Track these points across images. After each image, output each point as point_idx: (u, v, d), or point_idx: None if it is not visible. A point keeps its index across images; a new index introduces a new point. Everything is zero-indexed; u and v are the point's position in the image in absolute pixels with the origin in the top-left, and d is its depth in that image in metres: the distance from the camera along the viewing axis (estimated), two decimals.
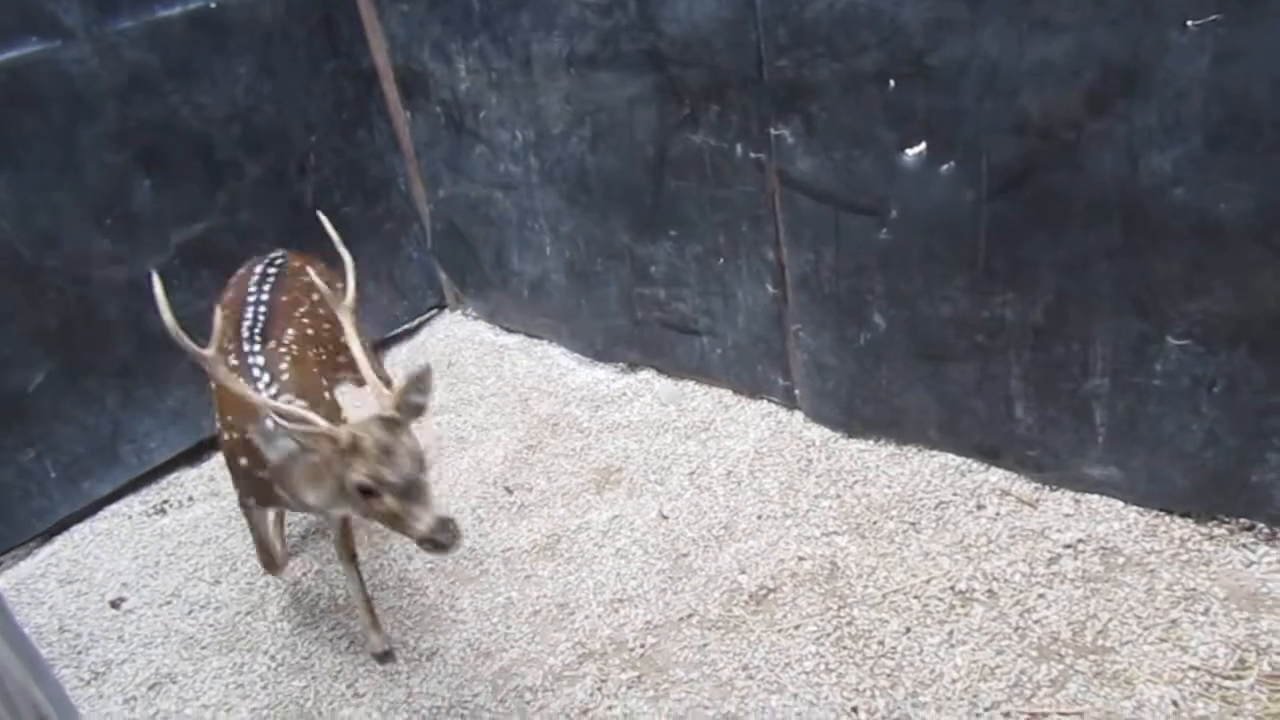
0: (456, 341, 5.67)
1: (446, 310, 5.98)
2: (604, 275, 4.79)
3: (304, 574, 4.03)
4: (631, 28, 3.95)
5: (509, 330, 5.63)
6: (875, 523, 3.58)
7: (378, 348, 5.67)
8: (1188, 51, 2.63)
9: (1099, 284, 3.08)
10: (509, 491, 4.27)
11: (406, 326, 5.83)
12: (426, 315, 5.94)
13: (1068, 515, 3.38)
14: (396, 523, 2.51)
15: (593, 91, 4.27)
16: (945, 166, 3.24)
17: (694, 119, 3.96)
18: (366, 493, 2.49)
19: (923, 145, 3.27)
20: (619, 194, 4.47)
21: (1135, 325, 3.06)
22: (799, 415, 4.28)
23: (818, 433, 4.16)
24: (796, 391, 4.25)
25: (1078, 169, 2.97)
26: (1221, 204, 2.75)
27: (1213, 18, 2.56)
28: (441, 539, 2.46)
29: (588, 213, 4.68)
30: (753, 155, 3.82)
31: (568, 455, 4.44)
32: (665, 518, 3.89)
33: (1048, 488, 3.52)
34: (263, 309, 3.25)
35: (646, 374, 4.90)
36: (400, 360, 5.58)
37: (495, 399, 5.02)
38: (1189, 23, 2.60)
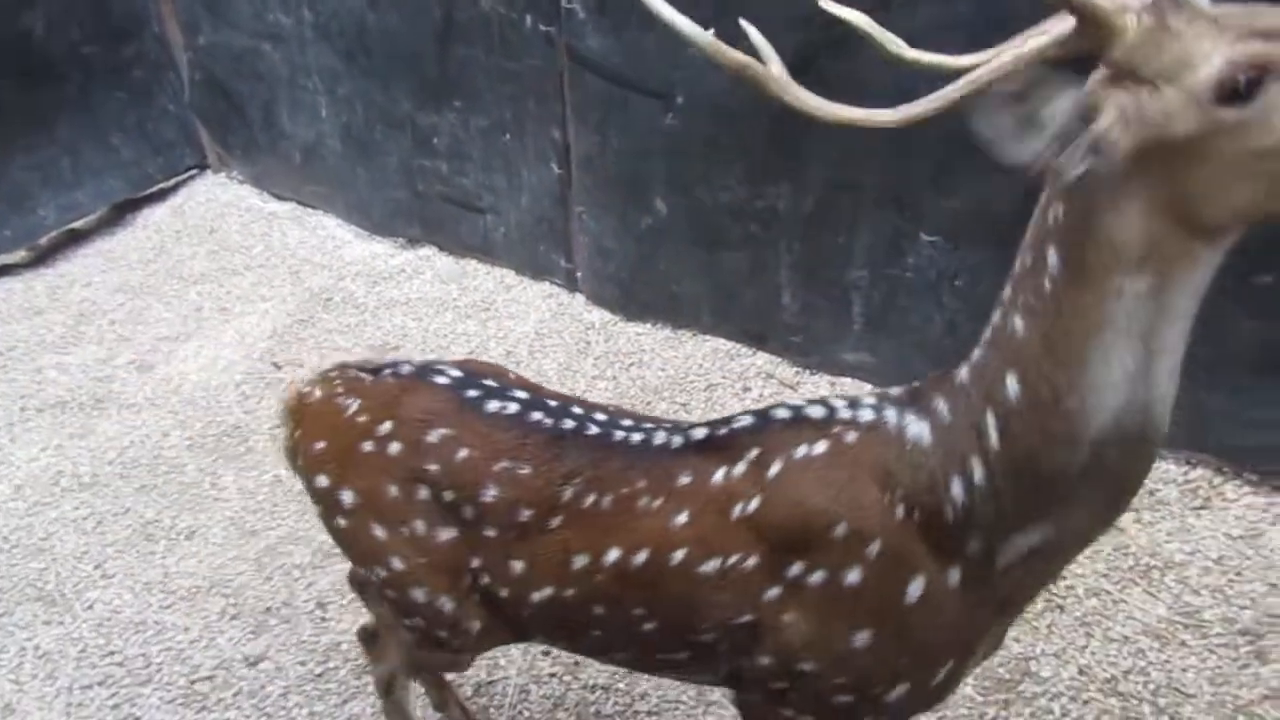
0: (220, 206, 5.26)
1: (209, 171, 5.52)
2: (384, 144, 4.56)
3: (41, 451, 3.72)
4: None
5: (279, 197, 5.28)
6: (648, 404, 3.70)
7: (126, 206, 5.21)
8: None
9: (864, 179, 3.25)
10: (277, 367, 4.08)
11: (162, 186, 5.35)
12: (185, 175, 5.46)
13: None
14: None
15: None
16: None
17: None
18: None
19: (711, 30, 3.27)
20: (402, 57, 4.22)
21: (893, 221, 3.27)
22: (580, 297, 4.32)
23: (597, 315, 4.21)
24: (578, 274, 4.27)
25: (854, 63, 3.07)
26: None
27: None
28: None
29: (367, 75, 4.40)
30: (543, 28, 3.71)
31: (341, 331, 4.29)
32: None
33: (808, 371, 3.76)
34: None
35: (427, 250, 4.76)
36: (155, 222, 5.14)
37: (263, 270, 4.73)
38: None
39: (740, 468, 1.60)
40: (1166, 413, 1.32)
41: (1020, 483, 1.37)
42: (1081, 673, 2.56)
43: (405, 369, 1.90)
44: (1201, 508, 2.98)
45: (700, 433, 1.70)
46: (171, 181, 5.40)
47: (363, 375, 1.91)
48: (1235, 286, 2.78)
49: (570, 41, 3.64)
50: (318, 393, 1.92)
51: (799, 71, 3.40)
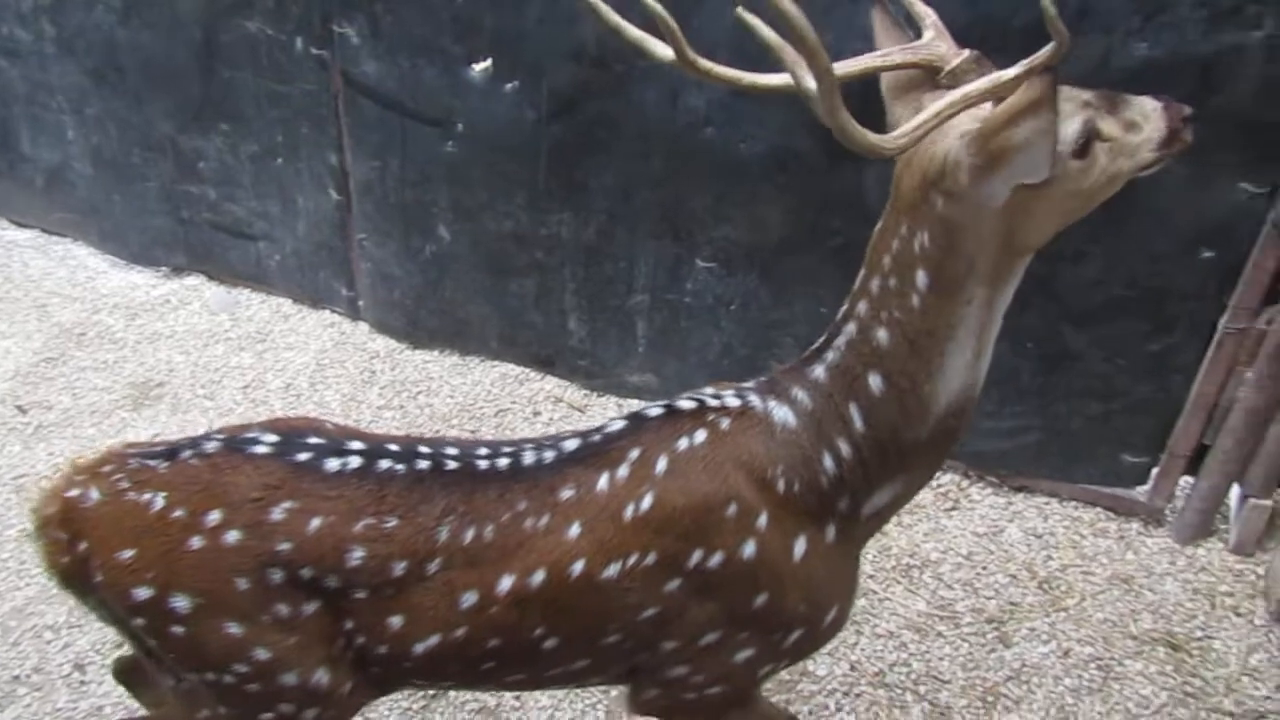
0: None
1: None
2: (142, 168, 4.27)
3: None
4: None
5: (19, 224, 4.84)
6: (437, 431, 3.66)
7: None
8: (720, 5, 2.92)
9: (642, 208, 3.36)
10: (22, 411, 3.73)
11: None
12: None
13: (611, 418, 3.71)
14: (1124, 160, 1.52)
15: None
16: (510, 85, 3.31)
17: (248, 3, 3.63)
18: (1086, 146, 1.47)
19: (488, 62, 3.31)
20: (159, 77, 3.98)
21: (671, 248, 3.40)
22: (363, 326, 4.21)
23: (382, 343, 4.12)
24: (360, 302, 4.16)
25: (627, 100, 3.19)
26: (741, 144, 3.12)
27: None
28: (1183, 131, 1.54)
29: (120, 95, 4.12)
30: (314, 51, 3.60)
31: (97, 369, 3.98)
32: None
33: (595, 394, 3.84)
34: None
35: (194, 280, 4.50)
36: None
37: (2, 304, 4.31)
38: None
39: (623, 470, 1.65)
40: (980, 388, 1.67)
41: (883, 453, 1.66)
42: (853, 668, 2.75)
43: (209, 445, 1.65)
44: (952, 509, 3.28)
45: (572, 444, 1.71)
46: None
47: (151, 463, 1.64)
48: None
49: (345, 67, 3.56)
50: (95, 493, 1.62)
51: (572, 105, 3.50)
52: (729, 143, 3.13)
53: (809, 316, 3.32)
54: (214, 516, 1.58)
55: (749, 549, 1.64)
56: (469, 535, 1.62)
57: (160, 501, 1.59)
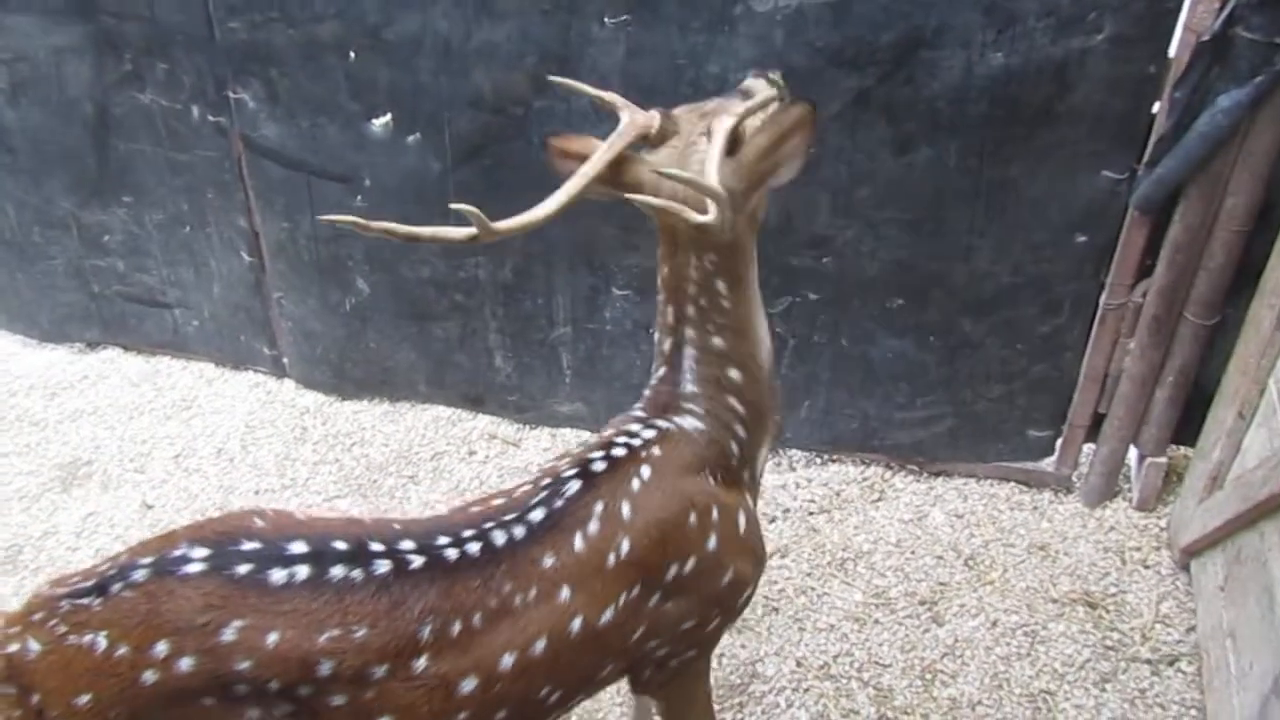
0: None
1: None
2: (45, 246, 4.22)
3: None
4: None
5: None
6: (375, 481, 3.70)
7: None
8: (607, 44, 3.04)
9: (556, 244, 3.46)
10: None
11: None
12: None
13: (545, 449, 3.81)
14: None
15: (6, 37, 3.70)
16: (411, 137, 3.38)
17: (138, 76, 3.63)
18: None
19: (388, 116, 3.38)
20: (54, 155, 3.95)
21: (587, 279, 3.51)
22: (289, 383, 4.22)
23: (311, 399, 4.14)
24: (284, 359, 4.18)
25: (528, 142, 3.28)
26: None
27: (624, 17, 2.98)
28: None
29: (14, 175, 4.07)
30: (212, 118, 3.62)
31: (20, 453, 3.92)
32: (150, 507, 3.64)
33: (528, 427, 3.92)
34: None
35: (111, 353, 4.46)
36: None
37: None
38: (606, 19, 3.00)
39: (594, 525, 1.76)
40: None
41: (756, 421, 1.98)
42: (799, 664, 2.89)
43: (136, 575, 1.56)
44: (878, 500, 3.45)
45: (538, 514, 1.76)
46: None
47: (83, 601, 1.56)
48: (877, 312, 3.27)
49: (244, 131, 3.59)
50: (34, 644, 1.55)
51: (475, 151, 3.59)
52: None
53: None
54: (161, 648, 1.52)
55: (712, 543, 1.86)
56: (456, 629, 1.62)
57: (103, 641, 1.53)
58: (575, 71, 3.11)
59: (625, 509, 1.78)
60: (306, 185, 3.61)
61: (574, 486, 1.80)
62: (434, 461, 3.79)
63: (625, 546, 1.76)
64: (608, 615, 1.74)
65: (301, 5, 3.23)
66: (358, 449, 3.88)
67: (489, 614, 1.64)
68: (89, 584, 1.58)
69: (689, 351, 1.92)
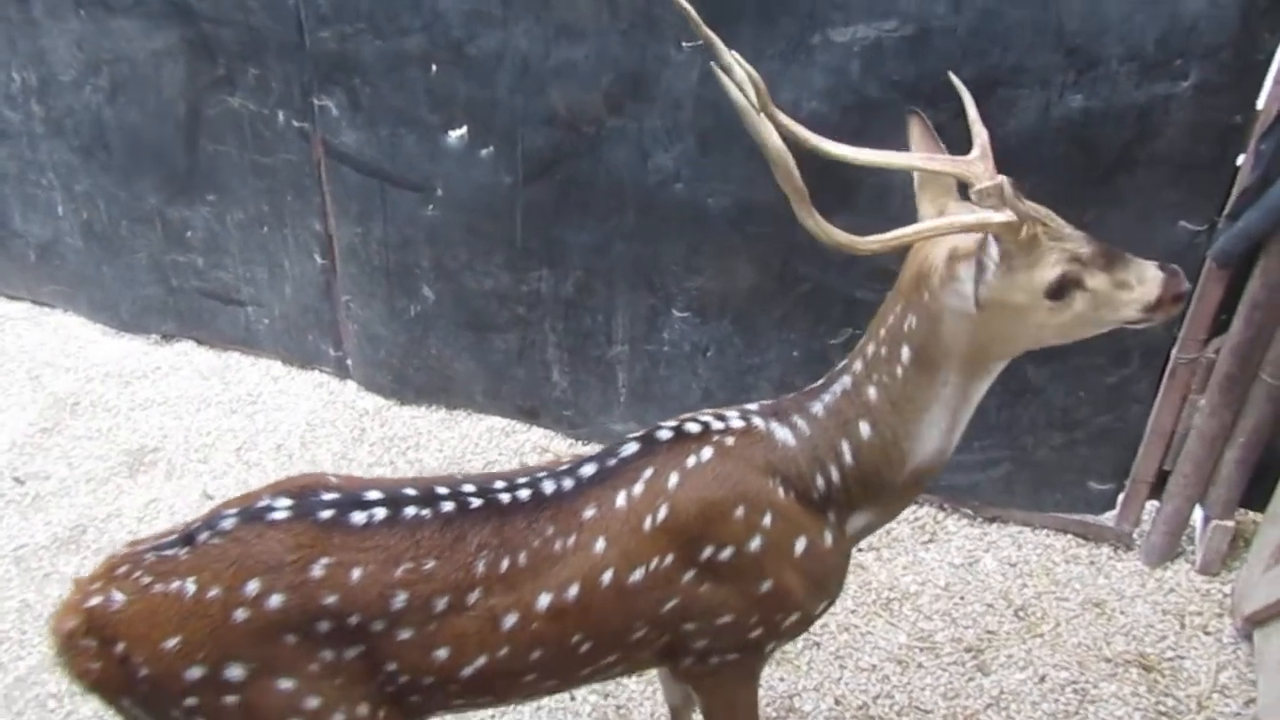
0: None
1: None
2: (131, 240, 4.38)
3: None
4: None
5: (11, 298, 4.93)
6: None
7: None
8: (683, 67, 3.07)
9: (618, 263, 3.49)
10: (19, 482, 3.80)
11: None
12: None
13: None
14: (1106, 311, 1.74)
15: (110, 39, 3.88)
16: (485, 150, 3.45)
17: (230, 80, 3.77)
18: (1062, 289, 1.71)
19: (464, 129, 3.45)
20: (146, 153, 4.11)
21: (647, 299, 3.53)
22: (352, 385, 4.31)
23: (371, 401, 4.22)
24: (349, 361, 4.27)
25: (598, 160, 3.33)
26: (709, 199, 3.26)
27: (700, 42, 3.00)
28: (1171, 305, 1.75)
29: (108, 171, 4.24)
30: (296, 124, 3.74)
31: (92, 437, 4.06)
32: (210, 498, 3.73)
33: (580, 443, 3.94)
34: None
35: (185, 346, 4.60)
36: None
37: None
38: (683, 44, 3.03)
39: (639, 488, 1.85)
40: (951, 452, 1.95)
41: (864, 484, 1.92)
42: (838, 702, 2.84)
43: (225, 523, 1.71)
44: (929, 541, 3.38)
45: (590, 469, 1.90)
46: None
47: (169, 552, 1.69)
48: None
49: (326, 137, 3.70)
50: (119, 595, 1.66)
51: (546, 167, 3.64)
52: (697, 197, 3.27)
53: (782, 360, 3.44)
54: (253, 586, 1.66)
55: (755, 543, 1.87)
56: (505, 564, 1.77)
57: (192, 587, 1.65)
58: (649, 93, 3.15)
59: (673, 479, 1.86)
60: (381, 192, 3.70)
61: (631, 448, 1.92)
62: (486, 470, 3.82)
63: (663, 512, 1.84)
64: (638, 574, 1.83)
65: (390, 18, 3.32)
66: (412, 453, 3.93)
67: (531, 554, 1.79)
68: (173, 537, 1.73)
69: (843, 381, 1.92)
